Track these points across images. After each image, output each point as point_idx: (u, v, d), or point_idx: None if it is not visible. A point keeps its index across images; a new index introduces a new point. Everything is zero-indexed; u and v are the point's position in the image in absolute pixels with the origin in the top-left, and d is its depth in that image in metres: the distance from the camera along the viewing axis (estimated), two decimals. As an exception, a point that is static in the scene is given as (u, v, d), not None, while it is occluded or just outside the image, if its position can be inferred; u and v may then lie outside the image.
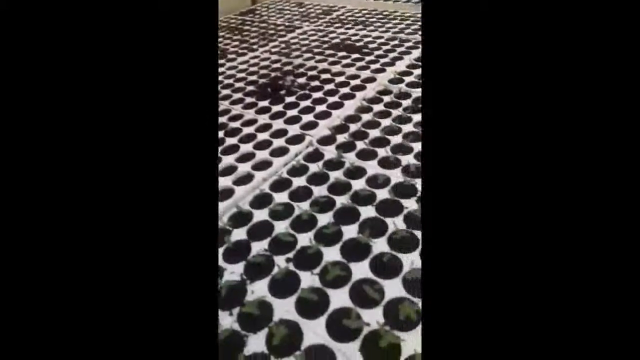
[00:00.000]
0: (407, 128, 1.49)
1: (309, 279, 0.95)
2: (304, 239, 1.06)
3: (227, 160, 1.46)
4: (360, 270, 0.95)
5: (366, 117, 1.61)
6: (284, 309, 0.89)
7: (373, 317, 0.82)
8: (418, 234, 1.03)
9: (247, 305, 0.90)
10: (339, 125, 1.59)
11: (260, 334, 0.84)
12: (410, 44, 2.21)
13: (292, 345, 0.81)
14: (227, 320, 0.88)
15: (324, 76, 2.01)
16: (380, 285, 0.91)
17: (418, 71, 1.91)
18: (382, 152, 1.38)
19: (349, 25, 2.68)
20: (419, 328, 0.80)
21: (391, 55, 2.12)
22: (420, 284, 0.89)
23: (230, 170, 1.41)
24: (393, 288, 0.90)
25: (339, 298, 0.89)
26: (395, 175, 1.26)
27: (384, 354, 0.76)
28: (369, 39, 2.40)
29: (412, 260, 0.95)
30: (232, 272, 1.00)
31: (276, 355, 0.80)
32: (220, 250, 1.07)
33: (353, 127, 1.55)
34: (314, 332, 0.83)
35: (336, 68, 2.08)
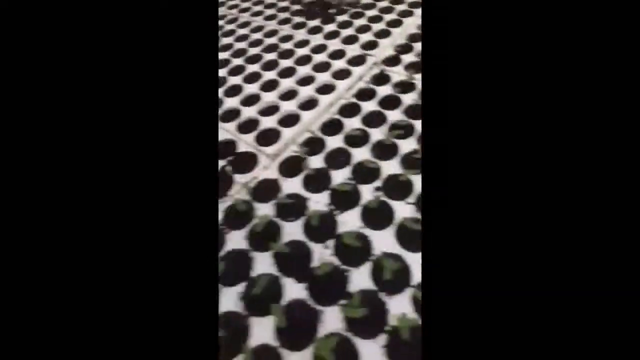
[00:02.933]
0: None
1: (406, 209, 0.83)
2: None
3: (286, 83, 1.29)
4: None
5: (434, 34, 1.39)
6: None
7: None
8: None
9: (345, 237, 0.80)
10: (403, 45, 1.39)
11: (362, 268, 0.75)
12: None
13: (404, 279, 0.71)
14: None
15: (376, -8, 1.75)
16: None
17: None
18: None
19: None
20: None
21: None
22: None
23: (292, 94, 1.25)
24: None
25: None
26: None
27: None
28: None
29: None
30: (317, 201, 0.89)
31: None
32: (301, 177, 0.96)
33: (418, 47, 1.34)
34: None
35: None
